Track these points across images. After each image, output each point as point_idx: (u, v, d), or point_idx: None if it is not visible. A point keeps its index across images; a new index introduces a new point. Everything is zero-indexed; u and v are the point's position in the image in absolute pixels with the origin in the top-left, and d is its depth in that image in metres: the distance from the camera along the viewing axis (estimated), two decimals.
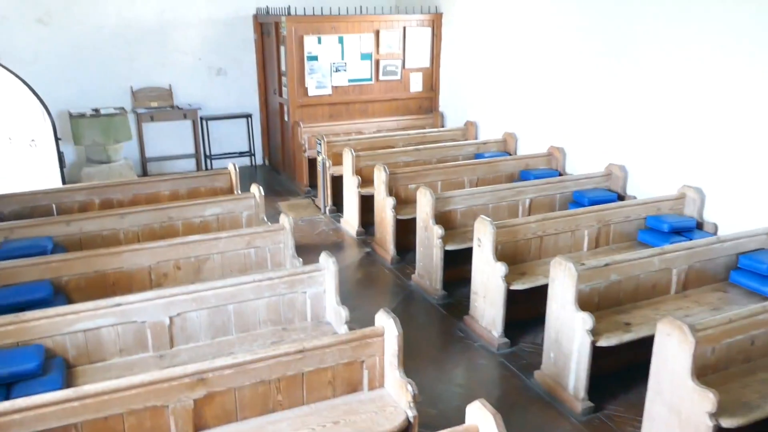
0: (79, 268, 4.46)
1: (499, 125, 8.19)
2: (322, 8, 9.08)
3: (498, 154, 7.62)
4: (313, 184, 8.78)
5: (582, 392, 4.15)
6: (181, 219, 5.54)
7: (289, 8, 8.70)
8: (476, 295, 5.15)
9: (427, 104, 9.72)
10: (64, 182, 6.85)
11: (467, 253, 5.33)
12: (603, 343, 4.02)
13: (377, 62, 9.19)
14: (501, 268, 4.78)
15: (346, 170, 7.34)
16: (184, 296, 3.86)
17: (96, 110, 8.95)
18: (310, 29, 8.69)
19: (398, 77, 9.40)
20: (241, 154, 10.37)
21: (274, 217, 6.59)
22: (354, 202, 7.26)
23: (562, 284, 4.19)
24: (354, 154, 7.19)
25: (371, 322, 3.49)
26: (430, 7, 9.39)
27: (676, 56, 5.64)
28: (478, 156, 7.69)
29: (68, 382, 3.51)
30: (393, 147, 8.01)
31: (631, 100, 6.16)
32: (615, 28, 6.26)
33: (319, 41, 8.75)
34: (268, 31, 9.56)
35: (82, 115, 8.73)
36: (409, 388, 3.26)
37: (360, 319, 4.93)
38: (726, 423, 3.28)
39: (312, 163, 8.68)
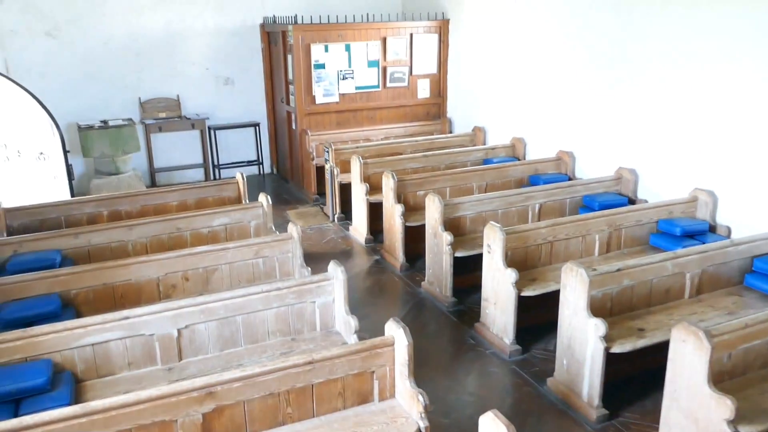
0: (88, 281, 4.45)
1: (508, 130, 8.14)
2: (329, 16, 9.08)
3: (506, 160, 7.58)
4: (321, 192, 8.76)
5: (596, 399, 4.09)
6: (190, 229, 5.53)
7: (295, 17, 8.71)
8: (487, 302, 5.10)
9: (435, 110, 9.69)
10: (72, 195, 6.85)
11: (477, 260, 5.29)
12: (617, 349, 3.96)
13: (384, 69, 9.18)
14: (511, 275, 4.73)
15: (355, 178, 7.31)
16: (193, 308, 3.84)
17: (104, 122, 8.99)
18: (317, 37, 8.69)
19: (405, 84, 9.38)
20: (250, 163, 10.38)
21: (282, 225, 6.58)
22: (362, 210, 7.23)
23: (573, 290, 4.13)
24: (362, 161, 7.17)
25: (381, 331, 3.45)
26: (437, 14, 9.37)
27: (686, 57, 5.59)
28: (486, 161, 7.65)
29: (77, 397, 3.49)
30: (401, 154, 7.98)
31: (641, 102, 6.10)
32: (624, 31, 6.20)
33: (326, 49, 8.75)
34: (275, 40, 9.57)
35: (90, 127, 8.77)
36: (421, 398, 3.21)
37: (370, 327, 4.90)
38: (745, 430, 3.22)
39: (320, 171, 8.66)
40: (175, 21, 9.49)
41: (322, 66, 8.80)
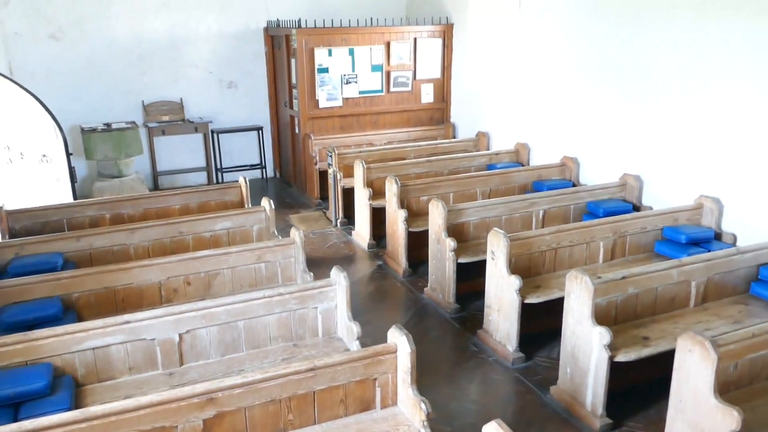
0: (89, 285, 4.43)
1: (512, 136, 8.12)
2: (332, 21, 9.07)
3: (510, 165, 7.55)
4: (324, 196, 8.74)
5: (600, 408, 4.05)
6: (192, 233, 5.51)
7: (299, 21, 8.71)
8: (490, 309, 5.07)
9: (439, 115, 9.67)
10: (75, 197, 6.83)
11: (480, 266, 5.26)
12: (621, 358, 3.93)
13: (388, 74, 9.17)
14: (515, 282, 4.69)
15: (358, 182, 7.29)
16: (194, 313, 3.81)
17: (107, 125, 8.98)
18: (321, 42, 8.68)
19: (409, 88, 9.36)
20: (252, 166, 10.36)
21: (285, 230, 6.56)
22: (365, 215, 7.21)
23: (578, 298, 4.10)
24: (365, 166, 7.15)
25: (383, 337, 3.42)
26: (441, 18, 9.36)
27: (692, 64, 5.56)
28: (490, 167, 7.63)
29: (77, 401, 3.46)
30: (404, 159, 7.96)
31: (646, 108, 6.07)
32: (630, 37, 6.18)
33: (330, 53, 8.74)
34: (278, 44, 9.57)
35: (93, 130, 8.76)
36: (423, 406, 3.18)
37: (372, 333, 4.87)
38: None
39: (323, 175, 8.65)
40: (178, 24, 9.49)
41: (326, 70, 8.79)
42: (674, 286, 4.46)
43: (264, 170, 10.47)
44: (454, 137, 9.44)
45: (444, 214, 5.62)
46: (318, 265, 6.41)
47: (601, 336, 3.93)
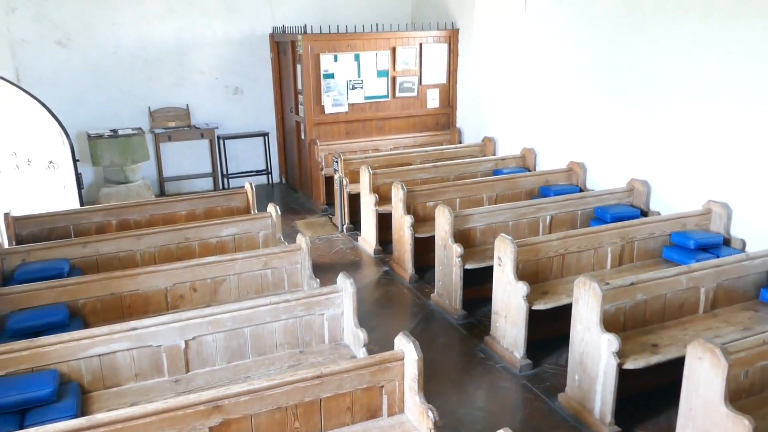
0: (95, 291, 4.43)
1: (518, 141, 8.10)
2: (338, 26, 9.09)
3: (517, 170, 7.53)
4: (330, 202, 8.73)
5: (609, 416, 4.01)
6: (198, 239, 5.50)
7: (305, 27, 8.72)
8: (497, 315, 5.04)
9: (445, 120, 9.66)
10: (81, 203, 6.84)
11: (487, 272, 5.23)
12: (630, 365, 3.89)
13: (394, 79, 9.16)
14: (522, 288, 4.67)
15: (364, 188, 7.28)
16: (200, 319, 3.80)
17: (114, 131, 9.00)
18: (327, 47, 8.69)
19: (415, 94, 9.35)
20: (258, 172, 10.37)
21: (291, 235, 6.55)
22: (371, 220, 7.19)
23: (586, 304, 4.07)
24: (371, 171, 7.14)
25: (390, 344, 3.41)
26: (447, 24, 9.36)
27: (700, 67, 5.53)
28: (496, 172, 7.60)
29: (83, 408, 3.45)
30: (410, 164, 7.95)
31: (653, 113, 6.04)
32: (636, 41, 6.16)
33: (336, 59, 8.75)
34: (284, 50, 9.58)
35: (100, 136, 8.78)
36: (430, 414, 3.16)
37: (379, 340, 4.85)
38: None
39: (329, 181, 8.64)
40: (185, 30, 9.52)
41: (332, 76, 8.79)
42: (683, 292, 4.43)
43: (270, 176, 10.48)
44: (460, 142, 9.42)
45: (450, 219, 5.60)
46: (324, 271, 6.40)
47: (609, 343, 3.90)
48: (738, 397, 3.44)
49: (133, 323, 3.71)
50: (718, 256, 4.98)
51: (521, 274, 4.83)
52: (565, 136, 7.28)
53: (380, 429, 3.29)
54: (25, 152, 6.62)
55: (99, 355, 3.62)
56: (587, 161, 7.00)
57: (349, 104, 9.00)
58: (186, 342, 3.79)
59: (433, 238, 5.95)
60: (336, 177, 7.96)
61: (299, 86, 8.98)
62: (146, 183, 9.25)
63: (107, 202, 7.81)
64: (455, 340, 5.41)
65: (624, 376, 3.96)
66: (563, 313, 4.52)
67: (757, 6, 4.98)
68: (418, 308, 5.98)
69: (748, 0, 5.04)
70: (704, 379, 3.30)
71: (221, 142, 9.97)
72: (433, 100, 9.49)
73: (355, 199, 7.74)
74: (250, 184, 6.43)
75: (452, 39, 9.28)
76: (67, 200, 6.75)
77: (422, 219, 6.53)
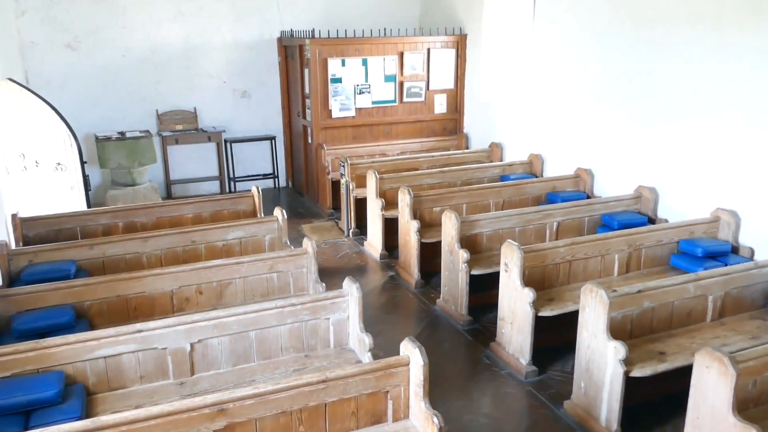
0: (102, 293, 4.43)
1: (525, 147, 8.09)
2: (346, 31, 9.10)
3: (524, 176, 7.51)
4: (336, 206, 8.73)
5: (615, 424, 3.98)
6: (204, 242, 5.51)
7: (313, 31, 8.73)
8: (503, 322, 5.02)
9: (452, 126, 9.66)
10: (89, 205, 6.87)
11: (493, 278, 5.21)
12: (637, 373, 3.87)
13: (401, 84, 9.16)
14: (529, 294, 4.65)
15: (370, 193, 7.28)
16: (206, 322, 3.80)
17: (122, 133, 9.04)
18: (334, 52, 8.70)
19: (422, 99, 9.35)
20: (265, 176, 10.38)
21: (297, 239, 6.55)
22: (378, 225, 7.18)
23: (593, 312, 4.05)
24: (378, 176, 7.13)
25: (395, 349, 3.39)
26: (455, 29, 9.36)
27: (708, 75, 5.51)
28: (503, 178, 7.59)
29: (87, 410, 3.45)
30: (417, 169, 7.94)
31: (661, 119, 6.02)
32: (645, 47, 6.14)
33: (343, 63, 8.76)
34: (292, 54, 9.60)
35: (108, 139, 8.82)
36: (435, 420, 3.14)
37: (384, 345, 4.84)
38: None
39: (335, 185, 8.65)
40: (193, 34, 9.55)
41: (339, 80, 8.81)
42: (691, 300, 4.40)
43: (276, 180, 10.49)
44: (467, 148, 9.42)
45: (457, 225, 5.59)
46: (330, 275, 6.39)
47: (616, 350, 3.88)
48: (746, 406, 3.41)
49: (138, 325, 3.71)
50: (726, 264, 4.95)
51: (527, 281, 4.81)
52: (573, 143, 7.26)
53: None
54: (33, 154, 6.65)
55: (104, 357, 3.62)
56: (595, 168, 6.98)
57: (356, 109, 9.01)
58: (191, 345, 3.78)
59: (439, 243, 5.94)
60: (342, 181, 7.96)
61: (306, 90, 9.00)
62: (153, 186, 9.27)
63: (114, 205, 7.83)
64: (461, 346, 5.39)
65: (630, 384, 3.93)
66: (569, 320, 4.50)
67: (766, 14, 4.96)
68: (424, 314, 5.97)
69: (759, 9, 5.02)
70: (712, 388, 3.27)
71: (228, 145, 9.99)
72: (440, 106, 9.49)
73: (361, 204, 7.73)
74: (257, 188, 6.44)
75: (460, 44, 9.28)
76: (75, 202, 6.78)
77: (428, 224, 6.52)
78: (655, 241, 5.44)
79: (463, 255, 5.49)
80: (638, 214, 6.13)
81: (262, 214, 6.31)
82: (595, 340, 4.05)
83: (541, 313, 4.69)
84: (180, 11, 9.39)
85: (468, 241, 5.71)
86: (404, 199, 6.46)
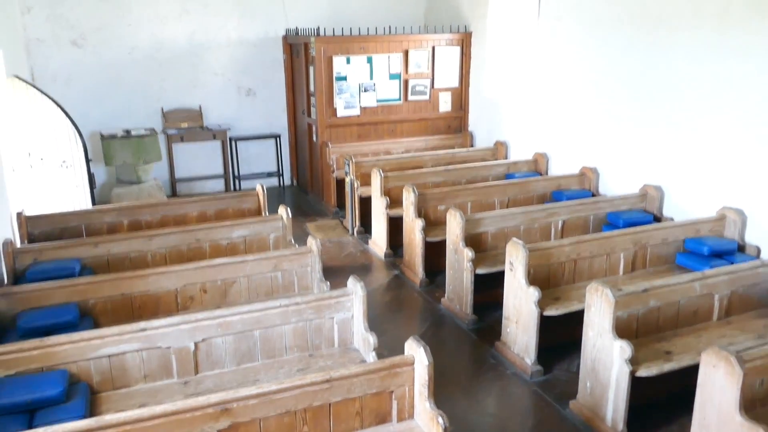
0: (106, 291, 4.43)
1: (530, 145, 8.06)
2: (351, 29, 9.09)
3: (529, 175, 7.49)
4: (341, 204, 8.72)
5: (621, 424, 3.97)
6: (209, 241, 5.50)
7: (318, 29, 8.72)
8: (508, 321, 5.00)
9: (456, 124, 9.63)
10: (94, 203, 6.88)
11: (498, 277, 5.19)
12: (643, 373, 3.85)
13: (406, 82, 9.14)
14: (534, 293, 4.63)
15: (375, 191, 7.26)
16: (210, 321, 3.79)
17: (127, 131, 9.04)
18: (339, 50, 8.69)
19: (427, 97, 9.33)
20: (270, 174, 10.38)
21: (301, 237, 6.54)
22: (382, 224, 7.17)
23: (598, 311, 4.03)
24: (382, 174, 7.11)
25: (400, 348, 3.38)
26: (460, 27, 9.33)
27: (713, 73, 5.48)
28: (508, 176, 7.57)
29: (92, 408, 3.45)
30: (422, 167, 7.92)
31: (667, 117, 5.99)
32: (650, 46, 6.11)
33: (348, 61, 8.74)
34: (297, 52, 9.59)
35: (113, 136, 8.82)
36: (440, 420, 3.12)
37: (388, 344, 4.82)
38: None
39: (340, 183, 8.63)
40: (198, 32, 9.55)
41: (344, 78, 8.79)
42: (697, 299, 4.37)
43: (281, 178, 10.49)
44: (472, 146, 9.39)
45: (462, 223, 5.57)
46: (334, 274, 6.38)
47: (622, 350, 3.86)
48: (753, 406, 3.38)
49: (142, 324, 3.70)
50: (732, 263, 4.92)
51: (533, 279, 4.79)
52: (578, 141, 7.23)
53: None
54: (38, 151, 6.66)
55: (108, 356, 3.62)
56: (600, 166, 6.95)
57: (361, 107, 8.99)
58: (195, 344, 3.78)
59: (444, 242, 5.93)
60: (347, 180, 7.95)
61: (311, 88, 8.98)
62: (158, 183, 9.28)
63: (119, 202, 7.84)
64: (466, 345, 5.37)
65: (636, 384, 3.92)
66: (575, 319, 4.48)
67: None
68: (429, 312, 5.95)
69: (764, 7, 4.98)
70: (718, 388, 3.25)
71: (233, 143, 9.99)
72: (445, 104, 9.46)
73: (366, 202, 7.72)
74: (262, 186, 6.43)
75: (465, 42, 9.25)
76: (80, 200, 6.79)
77: (433, 223, 6.50)
78: (661, 240, 5.41)
79: (468, 253, 5.47)
80: (644, 213, 6.10)
81: (267, 213, 6.30)
82: (600, 340, 4.03)
83: (547, 313, 4.67)
84: (185, 9, 9.39)
85: (473, 240, 5.69)
86: (409, 198, 6.45)
